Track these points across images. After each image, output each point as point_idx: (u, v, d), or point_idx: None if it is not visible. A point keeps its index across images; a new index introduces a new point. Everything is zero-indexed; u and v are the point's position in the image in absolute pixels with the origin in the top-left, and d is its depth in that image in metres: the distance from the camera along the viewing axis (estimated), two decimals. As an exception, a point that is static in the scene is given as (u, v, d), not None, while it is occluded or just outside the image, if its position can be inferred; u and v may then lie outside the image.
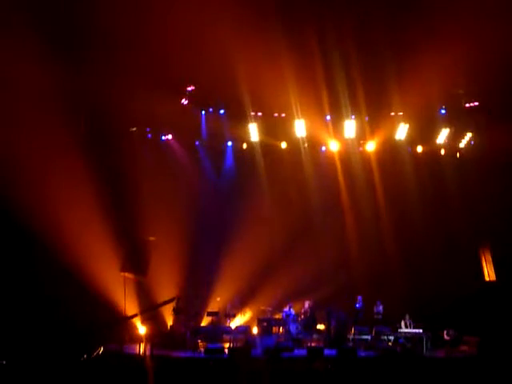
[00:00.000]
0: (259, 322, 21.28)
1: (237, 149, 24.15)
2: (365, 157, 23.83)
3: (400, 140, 23.29)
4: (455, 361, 18.17)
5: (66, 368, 15.64)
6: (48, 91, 18.48)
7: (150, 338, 19.18)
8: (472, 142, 23.72)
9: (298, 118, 22.41)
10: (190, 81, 21.71)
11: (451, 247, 23.00)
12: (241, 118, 22.72)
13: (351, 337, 20.72)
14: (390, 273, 22.81)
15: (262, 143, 23.46)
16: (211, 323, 21.45)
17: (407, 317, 20.78)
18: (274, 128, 23.33)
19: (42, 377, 15.06)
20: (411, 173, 23.68)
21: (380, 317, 21.54)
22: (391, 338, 20.35)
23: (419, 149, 23.99)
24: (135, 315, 19.80)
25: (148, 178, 21.69)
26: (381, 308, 21.66)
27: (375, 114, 22.86)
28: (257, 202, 23.26)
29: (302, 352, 18.65)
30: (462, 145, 23.89)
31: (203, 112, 23.08)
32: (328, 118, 22.89)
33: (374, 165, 23.71)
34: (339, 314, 21.29)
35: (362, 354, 19.18)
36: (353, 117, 22.66)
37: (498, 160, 22.05)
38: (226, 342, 20.44)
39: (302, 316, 21.73)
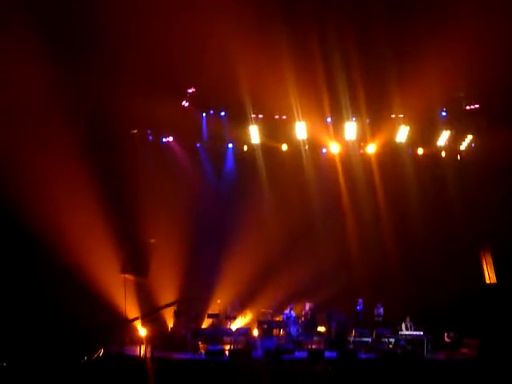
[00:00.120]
0: (260, 324, 21.28)
1: (237, 151, 24.17)
2: (365, 159, 23.85)
3: (401, 142, 23.32)
4: (456, 363, 18.14)
5: (67, 370, 15.64)
6: (49, 93, 18.48)
7: (151, 340, 19.16)
8: (473, 145, 23.75)
9: (299, 120, 22.43)
10: (190, 83, 21.72)
11: (452, 249, 23.00)
12: (241, 120, 22.74)
13: (352, 339, 20.73)
14: (390, 275, 22.80)
15: (263, 145, 23.48)
16: (212, 325, 21.41)
17: (408, 319, 20.79)
18: (275, 130, 23.35)
19: (42, 379, 15.06)
20: (412, 175, 23.70)
21: (381, 319, 21.55)
22: (392, 340, 20.32)
23: (420, 151, 24.02)
24: (136, 318, 19.79)
25: (149, 180, 21.71)
26: (381, 310, 21.67)
27: (376, 116, 22.91)
28: (257, 204, 23.27)
29: (303, 354, 18.65)
30: (462, 147, 23.91)
31: (204, 114, 23.12)
32: (329, 120, 22.94)
33: (375, 167, 23.73)
34: (340, 316, 21.30)
35: (363, 356, 19.16)
36: (353, 119, 22.71)
37: (499, 162, 22.03)
38: (227, 344, 20.44)
39: (303, 318, 21.74)
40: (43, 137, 19.11)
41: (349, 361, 17.77)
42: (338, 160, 23.83)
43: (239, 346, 19.83)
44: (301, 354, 18.82)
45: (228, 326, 21.30)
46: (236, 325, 21.83)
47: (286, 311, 21.61)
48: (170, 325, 21.30)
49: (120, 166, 21.47)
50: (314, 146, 23.72)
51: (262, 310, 22.20)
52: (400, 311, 21.25)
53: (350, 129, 22.85)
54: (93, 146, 20.94)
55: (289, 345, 19.96)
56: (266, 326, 21.16)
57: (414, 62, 19.28)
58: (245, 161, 24.06)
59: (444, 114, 23.03)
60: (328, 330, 21.44)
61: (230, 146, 24.19)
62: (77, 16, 17.64)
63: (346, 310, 21.74)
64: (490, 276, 23.39)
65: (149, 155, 22.82)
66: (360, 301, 21.87)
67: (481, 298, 21.55)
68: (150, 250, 21.66)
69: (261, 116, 22.93)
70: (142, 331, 19.72)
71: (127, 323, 19.73)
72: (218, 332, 20.92)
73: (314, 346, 20.35)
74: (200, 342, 20.16)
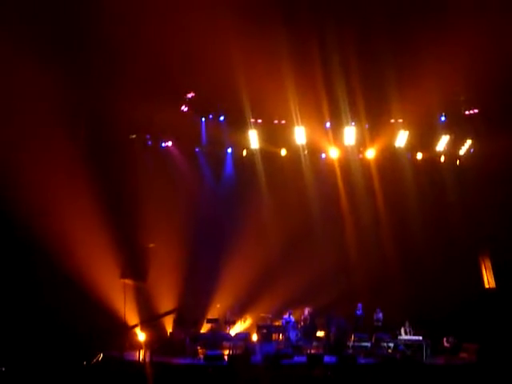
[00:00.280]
0: (259, 329, 21.28)
1: (237, 156, 24.16)
2: (365, 164, 23.87)
3: (400, 147, 23.33)
4: (455, 368, 18.15)
5: (66, 375, 15.62)
6: (48, 97, 18.48)
7: (150, 345, 19.16)
8: (472, 150, 23.76)
9: (298, 124, 22.42)
10: (189, 87, 21.71)
11: (451, 254, 23.00)
12: (241, 125, 22.74)
13: (351, 344, 20.68)
14: (389, 280, 22.81)
15: (262, 150, 23.47)
16: (211, 330, 21.41)
17: (407, 324, 20.79)
18: (274, 135, 23.34)
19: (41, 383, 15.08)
20: (411, 180, 23.72)
21: (380, 324, 21.56)
22: (391, 345, 20.33)
23: (419, 156, 24.05)
24: (135, 326, 19.75)
25: (148, 185, 21.68)
26: (381, 315, 21.67)
27: (375, 121, 22.90)
28: (256, 209, 23.28)
29: (302, 359, 18.61)
30: (461, 152, 23.93)
31: (203, 119, 23.08)
32: (328, 125, 22.92)
33: (374, 172, 23.75)
34: (339, 320, 21.31)
35: (362, 361, 19.16)
36: (353, 124, 22.70)
37: (498, 167, 22.06)
38: (226, 348, 20.39)
39: (302, 323, 21.74)
40: (43, 141, 19.13)
41: (348, 365, 17.76)
42: (337, 165, 23.82)
43: (238, 351, 19.78)
44: (300, 359, 18.80)
45: (227, 331, 21.29)
46: (235, 330, 21.82)
47: (286, 316, 21.61)
48: (169, 330, 21.29)
49: (119, 170, 21.46)
50: (313, 150, 23.73)
51: (262, 315, 22.18)
52: (399, 316, 21.26)
53: (349, 134, 22.84)
54: (92, 150, 20.95)
55: (288, 349, 19.92)
56: (265, 331, 21.15)
57: (413, 66, 19.26)
58: (244, 165, 24.05)
59: (443, 118, 23.02)
60: (327, 334, 21.46)
61: (229, 150, 24.18)
62: (76, 22, 17.64)
63: (346, 314, 21.75)
64: (488, 281, 23.41)
65: (148, 160, 22.77)
66: (359, 305, 21.89)
67: (480, 303, 21.56)
68: (149, 255, 21.69)
69: (260, 121, 22.91)
70: (141, 336, 19.70)
71: (127, 329, 19.70)
72: (217, 337, 20.89)
73: (313, 351, 20.31)
74: (199, 347, 20.12)
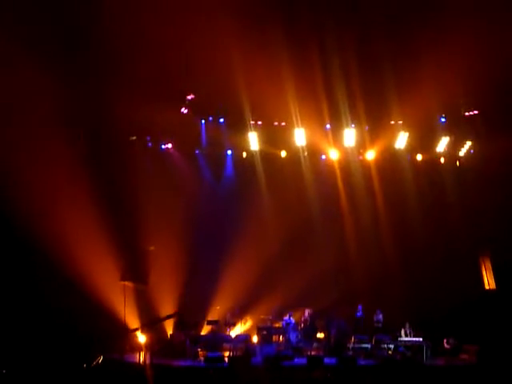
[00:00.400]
0: (259, 331, 21.25)
1: (237, 157, 24.17)
2: (365, 165, 23.89)
3: (400, 148, 23.36)
4: (455, 369, 18.13)
5: (67, 377, 15.64)
6: (48, 98, 18.51)
7: (150, 347, 19.15)
8: (472, 151, 23.79)
9: (298, 126, 22.43)
10: (189, 89, 21.72)
11: (451, 255, 23.00)
12: (241, 127, 22.75)
13: (351, 345, 20.65)
14: (390, 281, 22.79)
15: (262, 152, 23.48)
16: (211, 332, 21.38)
17: (407, 325, 20.76)
18: (274, 137, 23.35)
19: (41, 386, 15.12)
20: (411, 181, 23.73)
21: (380, 325, 21.54)
22: (391, 346, 20.27)
23: (419, 157, 24.07)
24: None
25: (148, 187, 21.67)
26: (381, 316, 21.66)
27: (375, 123, 22.93)
28: (256, 210, 23.26)
29: (302, 360, 18.61)
30: (461, 153, 23.97)
31: (203, 121, 23.10)
32: (328, 126, 22.95)
33: (374, 173, 23.76)
34: (339, 322, 21.29)
35: (362, 362, 19.11)
36: (352, 125, 22.72)
37: (498, 168, 22.09)
38: (226, 350, 20.38)
39: (302, 324, 21.73)
40: (43, 142, 19.15)
41: (348, 367, 17.74)
42: (337, 166, 23.85)
43: (239, 353, 19.79)
44: (300, 361, 18.78)
45: (227, 333, 21.25)
46: (235, 331, 21.78)
47: (286, 318, 21.58)
48: (169, 331, 21.29)
49: (119, 173, 21.47)
50: (313, 152, 23.74)
51: (262, 317, 22.16)
52: (399, 317, 21.23)
53: (349, 135, 22.86)
54: (92, 152, 20.99)
55: (288, 351, 19.91)
56: (265, 333, 21.12)
57: (413, 67, 19.29)
58: (244, 167, 24.04)
59: (443, 120, 23.06)
60: (327, 336, 21.45)
61: (229, 152, 24.19)
62: (76, 25, 17.65)
63: (346, 316, 21.73)
64: (489, 282, 23.41)
65: (148, 162, 22.77)
66: (359, 307, 21.88)
67: (480, 304, 21.53)
68: (149, 258, 21.70)
69: (260, 122, 22.93)
70: (142, 338, 19.68)
71: (127, 332, 19.70)
72: (218, 339, 20.87)
73: (313, 353, 20.30)
74: (199, 349, 20.10)
